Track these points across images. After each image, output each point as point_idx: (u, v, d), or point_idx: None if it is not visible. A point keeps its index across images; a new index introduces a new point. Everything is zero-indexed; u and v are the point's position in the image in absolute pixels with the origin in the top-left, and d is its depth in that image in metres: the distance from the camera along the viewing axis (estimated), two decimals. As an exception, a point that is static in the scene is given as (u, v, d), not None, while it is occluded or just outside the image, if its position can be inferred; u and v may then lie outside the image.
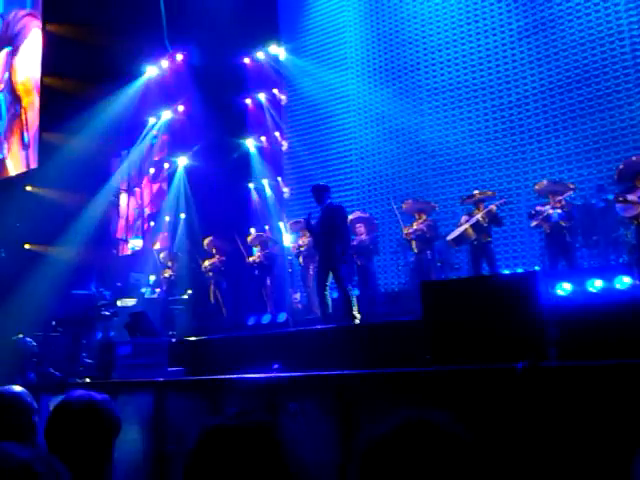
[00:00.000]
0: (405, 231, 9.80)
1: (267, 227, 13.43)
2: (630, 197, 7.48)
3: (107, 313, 8.68)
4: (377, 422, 1.40)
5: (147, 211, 15.44)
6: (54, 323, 8.95)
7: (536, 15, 11.46)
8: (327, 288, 7.74)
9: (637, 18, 10.43)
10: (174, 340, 8.13)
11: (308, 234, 9.56)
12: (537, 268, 9.77)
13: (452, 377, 2.96)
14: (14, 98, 16.75)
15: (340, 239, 7.59)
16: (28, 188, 15.10)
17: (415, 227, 9.78)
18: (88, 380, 6.99)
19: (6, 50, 17.13)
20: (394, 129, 12.85)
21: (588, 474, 2.44)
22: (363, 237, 10.36)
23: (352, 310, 7.35)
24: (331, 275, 7.66)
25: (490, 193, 9.65)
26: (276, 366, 5.25)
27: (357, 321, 7.26)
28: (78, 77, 14.54)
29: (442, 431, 1.28)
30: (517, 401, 2.64)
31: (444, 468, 1.23)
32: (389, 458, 1.25)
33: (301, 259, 10.66)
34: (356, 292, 10.47)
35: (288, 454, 1.65)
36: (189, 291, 11.58)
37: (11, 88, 16.88)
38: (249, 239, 11.66)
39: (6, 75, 16.99)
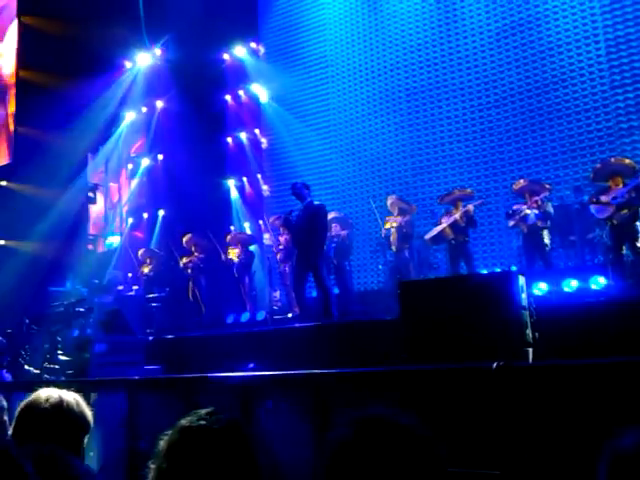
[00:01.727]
0: (387, 226, 9.84)
1: (247, 225, 13.38)
2: (603, 198, 7.59)
3: (82, 309, 8.57)
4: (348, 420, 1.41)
5: (125, 208, 15.27)
6: (27, 320, 8.82)
7: (514, 17, 11.57)
8: (304, 285, 7.73)
9: (612, 21, 10.59)
10: (151, 338, 8.06)
11: (287, 232, 9.53)
12: (514, 268, 9.86)
13: (427, 376, 2.96)
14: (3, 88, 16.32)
15: (320, 238, 7.59)
16: (2, 183, 14.86)
17: (393, 223, 9.82)
18: (63, 378, 6.90)
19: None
20: (373, 128, 12.88)
21: (560, 472, 2.46)
22: (342, 235, 10.37)
23: (330, 308, 7.35)
24: (309, 273, 7.65)
25: (468, 192, 9.72)
26: (251, 365, 5.22)
27: (336, 320, 7.27)
28: (54, 71, 14.31)
29: (401, 429, 1.29)
30: (492, 400, 2.65)
31: (404, 466, 1.24)
32: (350, 457, 1.27)
33: (279, 257, 10.63)
34: (335, 291, 10.52)
35: (257, 453, 1.65)
36: (166, 288, 11.48)
37: None
38: (228, 237, 11.59)
39: None
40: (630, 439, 1.25)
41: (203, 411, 1.72)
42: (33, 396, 2.26)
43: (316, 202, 8.05)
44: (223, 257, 11.17)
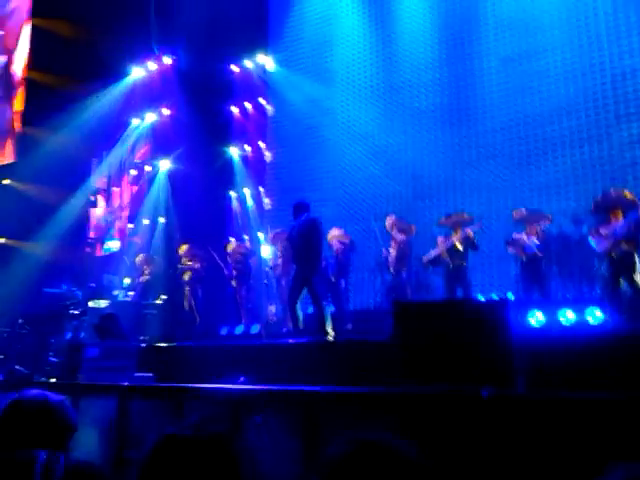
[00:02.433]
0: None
1: (246, 237, 13.39)
2: (602, 231, 7.60)
3: (75, 312, 8.54)
4: (338, 440, 1.41)
5: (125, 213, 15.29)
6: (21, 320, 8.79)
7: (522, 44, 11.64)
8: (298, 302, 7.71)
9: (618, 51, 10.64)
10: (144, 345, 8.03)
11: (284, 246, 9.55)
12: (510, 295, 9.84)
13: (416, 399, 2.95)
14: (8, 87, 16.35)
15: (316, 253, 7.58)
16: (5, 181, 14.88)
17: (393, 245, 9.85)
18: (53, 380, 6.86)
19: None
20: (377, 147, 12.92)
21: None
22: (340, 250, 10.38)
23: (325, 326, 7.33)
24: (305, 290, 7.64)
25: (466, 216, 9.74)
26: (242, 379, 5.20)
27: (330, 337, 7.24)
28: (63, 73, 14.40)
29: (392, 453, 1.29)
30: (481, 426, 2.64)
31: None
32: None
33: (277, 271, 10.62)
34: (331, 308, 10.51)
35: (242, 466, 1.65)
36: (163, 296, 11.46)
37: (7, 77, 16.51)
38: (228, 248, 11.59)
39: (3, 59, 16.57)
40: (617, 476, 1.25)
41: (189, 421, 1.72)
42: (18, 396, 2.26)
43: (313, 218, 8.06)
44: (225, 271, 11.16)
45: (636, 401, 2.27)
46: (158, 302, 11.31)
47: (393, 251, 9.85)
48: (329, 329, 7.35)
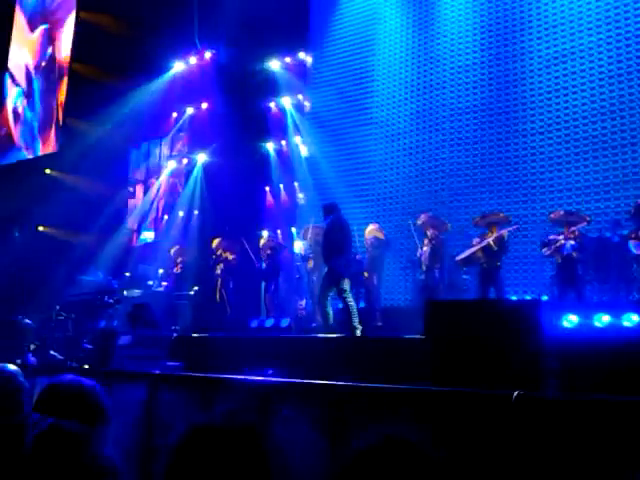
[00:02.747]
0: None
1: (279, 232, 13.45)
2: (644, 232, 7.41)
3: (110, 301, 8.71)
4: (365, 435, 1.41)
5: (161, 204, 15.51)
6: (58, 307, 8.99)
7: (566, 44, 11.41)
8: (329, 298, 7.76)
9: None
10: (175, 335, 8.14)
11: (315, 241, 9.62)
12: (545, 297, 9.69)
13: (445, 398, 2.93)
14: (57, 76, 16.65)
15: (341, 253, 7.68)
16: (47, 171, 15.23)
17: (425, 242, 9.80)
18: (86, 366, 7.01)
19: (42, 27, 17.21)
20: (414, 145, 12.84)
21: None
22: (372, 248, 10.37)
23: (353, 322, 7.37)
24: (333, 287, 7.72)
25: (502, 216, 9.61)
26: (270, 372, 5.23)
27: (358, 332, 7.26)
28: (106, 66, 14.67)
29: (416, 451, 1.29)
30: (510, 429, 2.61)
31: None
32: (365, 475, 1.27)
33: (310, 265, 10.66)
34: (361, 304, 10.51)
35: (270, 457, 1.65)
36: (195, 287, 11.60)
37: (53, 65, 16.82)
38: (261, 242, 11.67)
39: (49, 51, 16.93)
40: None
41: (218, 411, 1.73)
42: (54, 380, 2.31)
43: (340, 218, 8.16)
44: (257, 264, 11.25)
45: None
46: (190, 293, 11.45)
47: (426, 248, 9.78)
48: (357, 324, 7.39)
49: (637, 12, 10.79)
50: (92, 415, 2.26)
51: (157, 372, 4.22)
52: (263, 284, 11.08)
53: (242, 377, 3.85)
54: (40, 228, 14.88)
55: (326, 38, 14.56)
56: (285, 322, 10.07)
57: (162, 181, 15.68)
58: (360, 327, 7.41)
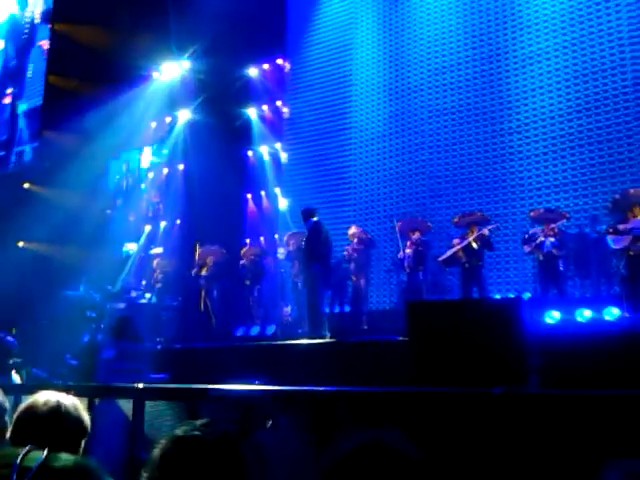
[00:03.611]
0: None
1: (262, 238, 13.43)
2: (621, 227, 7.51)
3: (93, 315, 8.64)
4: (348, 440, 1.43)
5: (144, 214, 15.41)
6: (40, 323, 8.90)
7: (540, 44, 11.55)
8: (315, 303, 7.78)
9: (640, 52, 10.52)
10: (160, 347, 8.09)
11: (296, 247, 9.66)
12: (528, 294, 9.78)
13: (429, 398, 2.94)
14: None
15: (321, 260, 7.72)
16: (25, 185, 15.07)
17: (408, 244, 9.85)
18: (70, 383, 6.93)
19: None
20: (393, 148, 12.91)
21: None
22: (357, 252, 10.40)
23: (322, 328, 7.46)
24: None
25: (481, 215, 9.70)
26: (256, 382, 5.22)
27: (328, 339, 7.36)
28: (83, 78, 14.57)
29: (396, 452, 1.30)
30: (493, 426, 2.62)
31: None
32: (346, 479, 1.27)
33: (293, 272, 10.65)
34: (347, 309, 10.53)
35: (249, 467, 1.66)
36: (179, 298, 11.54)
37: None
38: (243, 251, 11.66)
39: None
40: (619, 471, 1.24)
41: (198, 422, 1.74)
42: (31, 399, 2.28)
43: (313, 223, 8.21)
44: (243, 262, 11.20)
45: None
46: (174, 304, 11.39)
47: (409, 251, 9.82)
48: (325, 332, 7.48)
49: (608, 11, 10.95)
50: (72, 433, 2.24)
51: (141, 385, 4.20)
52: (247, 291, 11.05)
53: (226, 387, 3.83)
54: (20, 244, 14.72)
55: (304, 44, 14.60)
56: (271, 329, 10.06)
57: (143, 191, 15.58)
58: (328, 334, 7.49)
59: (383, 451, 1.33)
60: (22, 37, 16.37)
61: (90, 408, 4.66)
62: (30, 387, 6.20)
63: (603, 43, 10.92)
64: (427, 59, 12.85)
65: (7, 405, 2.99)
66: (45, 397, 2.27)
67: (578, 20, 11.21)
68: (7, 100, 15.96)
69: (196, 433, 1.68)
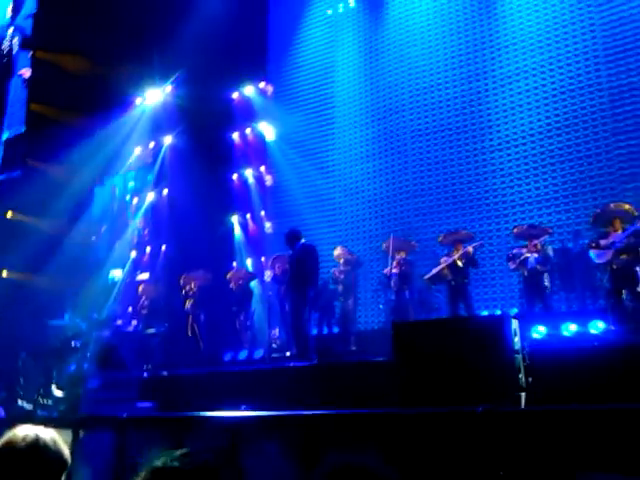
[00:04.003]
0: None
1: (248, 262, 13.40)
2: (603, 243, 7.59)
3: (78, 345, 8.54)
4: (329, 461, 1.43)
5: (128, 241, 15.33)
6: (24, 354, 8.79)
7: (519, 63, 11.76)
8: (302, 326, 7.75)
9: (615, 70, 10.73)
10: (146, 374, 8.00)
11: (283, 270, 9.64)
12: (515, 310, 9.81)
13: (414, 419, 2.93)
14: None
15: (310, 283, 7.71)
16: (8, 214, 14.95)
17: (394, 264, 9.87)
18: (55, 414, 6.83)
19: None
20: (377, 168, 13.01)
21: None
22: (343, 273, 10.40)
23: (308, 350, 7.43)
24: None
25: (465, 233, 9.77)
26: (243, 407, 5.17)
27: (314, 361, 7.33)
28: (65, 105, 14.56)
29: (375, 476, 1.30)
30: (477, 444, 2.61)
31: None
32: None
33: (280, 294, 10.62)
34: (335, 329, 10.51)
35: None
36: (166, 324, 11.45)
37: None
38: (229, 275, 11.62)
39: None
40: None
41: (178, 452, 1.72)
42: (10, 434, 2.24)
43: (306, 243, 8.19)
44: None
45: (624, 412, 2.25)
46: (161, 330, 11.30)
47: (395, 271, 9.84)
48: (312, 353, 7.45)
49: (583, 30, 11.19)
50: (51, 467, 2.21)
51: (125, 415, 4.13)
52: (234, 315, 11.00)
53: (211, 414, 3.79)
54: (4, 274, 14.56)
55: (285, 67, 14.75)
56: (259, 353, 9.99)
57: (127, 217, 15.53)
58: (315, 356, 7.46)
59: (360, 474, 1.33)
60: (1, 66, 16.39)
61: (75, 439, 4.59)
62: (12, 420, 6.10)
63: (579, 62, 11.15)
64: (408, 80, 13.01)
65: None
66: (24, 432, 2.23)
67: (554, 40, 11.45)
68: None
69: (174, 464, 1.67)
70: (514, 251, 9.01)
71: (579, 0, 11.33)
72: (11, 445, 2.18)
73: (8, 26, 16.39)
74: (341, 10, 14.18)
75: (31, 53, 15.85)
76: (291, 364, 7.42)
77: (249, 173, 14.47)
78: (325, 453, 3.26)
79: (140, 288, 12.30)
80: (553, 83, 11.31)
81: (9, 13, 16.48)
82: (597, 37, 11.03)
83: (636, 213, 7.85)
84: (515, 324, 4.05)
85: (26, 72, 14.91)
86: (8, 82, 15.77)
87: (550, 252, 8.74)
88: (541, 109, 11.36)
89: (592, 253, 7.78)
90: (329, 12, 14.35)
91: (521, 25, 11.86)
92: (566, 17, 11.39)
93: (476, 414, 2.58)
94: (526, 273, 8.72)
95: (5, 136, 15.30)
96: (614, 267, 7.51)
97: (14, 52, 16.08)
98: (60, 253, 13.83)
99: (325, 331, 10.98)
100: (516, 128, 11.58)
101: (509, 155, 11.59)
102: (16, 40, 15.91)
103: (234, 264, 13.01)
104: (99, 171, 15.22)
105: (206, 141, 14.26)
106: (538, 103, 11.41)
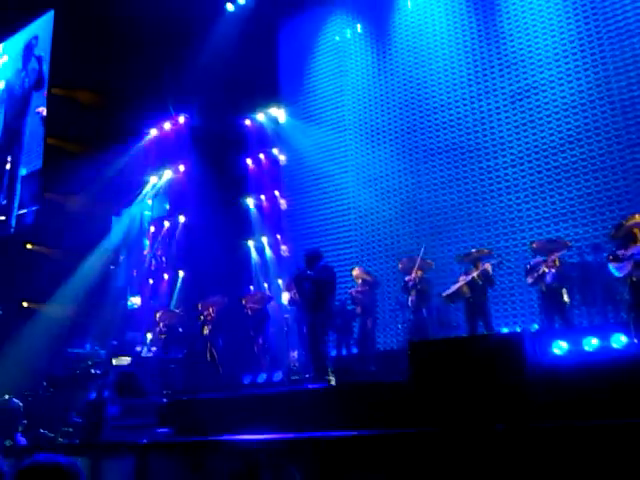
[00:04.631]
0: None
1: (266, 285, 13.43)
2: (620, 253, 7.48)
3: (98, 372, 8.58)
4: None
5: (146, 268, 15.46)
6: (45, 383, 8.84)
7: (528, 80, 11.77)
8: (320, 347, 7.73)
9: (626, 82, 10.70)
10: (166, 400, 8.00)
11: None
12: (535, 326, 9.70)
13: (432, 438, 2.90)
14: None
15: (328, 302, 7.70)
16: (28, 246, 15.16)
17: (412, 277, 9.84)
18: (77, 441, 6.85)
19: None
20: (391, 189, 13.02)
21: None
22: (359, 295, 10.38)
23: (327, 372, 7.40)
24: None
25: (486, 251, 9.69)
26: (261, 432, 5.14)
27: (332, 383, 7.28)
28: (81, 139, 14.83)
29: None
30: (496, 462, 2.58)
31: None
32: None
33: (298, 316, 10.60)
34: (354, 350, 10.46)
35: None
36: (184, 350, 11.47)
37: None
38: (244, 300, 11.66)
39: None
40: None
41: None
42: (31, 462, 2.26)
43: (326, 266, 8.20)
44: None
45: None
46: (179, 356, 11.32)
47: (413, 290, 9.80)
48: (330, 376, 7.41)
49: (591, 45, 11.20)
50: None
51: (144, 441, 4.13)
52: (252, 338, 11.00)
53: (230, 437, 3.78)
54: (24, 304, 14.72)
55: (297, 92, 14.91)
56: (278, 376, 9.94)
57: (144, 245, 15.68)
58: (333, 378, 7.42)
59: None
60: (18, 104, 16.73)
61: (95, 466, 4.59)
62: (34, 448, 6.12)
63: (589, 76, 11.14)
64: (418, 100, 13.07)
65: (5, 468, 2.96)
66: (42, 459, 2.25)
67: (562, 54, 11.46)
68: (7, 167, 16.22)
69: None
70: (532, 262, 8.92)
71: (586, 15, 11.36)
72: (33, 472, 2.20)
73: (22, 69, 16.78)
74: (349, 36, 14.36)
75: (46, 90, 16.18)
76: (309, 386, 7.38)
77: (264, 198, 14.58)
78: (345, 475, 3.23)
79: (157, 315, 12.36)
80: (564, 97, 11.30)
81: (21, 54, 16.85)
82: (605, 50, 11.04)
83: (655, 224, 7.74)
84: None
85: (43, 110, 15.22)
86: (24, 120, 16.08)
87: (567, 267, 8.62)
88: (553, 124, 11.34)
89: (611, 266, 7.66)
90: (337, 38, 14.53)
91: (529, 42, 11.90)
92: (573, 31, 11.42)
93: (497, 432, 2.54)
94: (544, 288, 8.62)
95: (23, 172, 15.58)
96: (634, 279, 7.39)
97: (28, 91, 16.42)
98: (79, 283, 13.98)
99: (344, 352, 10.94)
100: (529, 144, 11.55)
101: (523, 171, 11.55)
102: (32, 77, 16.26)
103: (251, 288, 13.03)
104: (116, 201, 15.45)
105: (221, 167, 14.42)
106: (550, 118, 11.39)
